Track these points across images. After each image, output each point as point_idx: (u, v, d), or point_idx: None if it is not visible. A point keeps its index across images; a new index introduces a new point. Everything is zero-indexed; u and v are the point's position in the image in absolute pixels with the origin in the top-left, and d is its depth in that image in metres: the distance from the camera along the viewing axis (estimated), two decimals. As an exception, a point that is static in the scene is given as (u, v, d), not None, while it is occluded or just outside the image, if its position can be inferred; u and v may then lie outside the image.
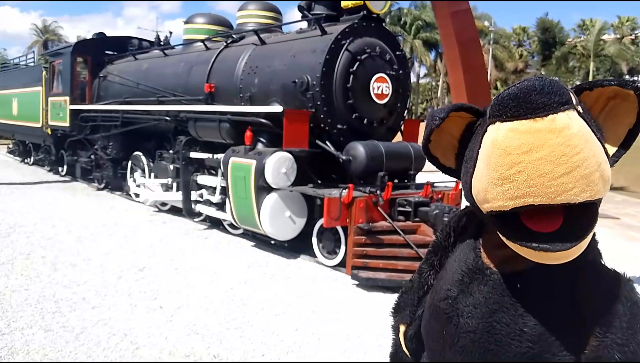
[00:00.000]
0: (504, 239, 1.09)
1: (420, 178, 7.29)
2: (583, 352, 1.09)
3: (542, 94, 0.98)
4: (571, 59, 44.78)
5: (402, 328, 1.52)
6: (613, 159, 1.13)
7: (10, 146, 19.49)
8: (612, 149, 1.14)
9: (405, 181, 7.05)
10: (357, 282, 5.56)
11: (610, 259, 1.27)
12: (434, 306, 1.32)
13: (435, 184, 6.79)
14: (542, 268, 1.12)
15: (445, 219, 4.50)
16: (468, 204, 1.27)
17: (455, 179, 1.53)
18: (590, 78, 38.18)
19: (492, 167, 1.03)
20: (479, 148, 1.09)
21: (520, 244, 1.04)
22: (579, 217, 1.02)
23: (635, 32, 44.62)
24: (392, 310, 1.60)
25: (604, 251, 1.25)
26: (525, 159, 0.98)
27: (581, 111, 1.07)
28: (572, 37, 46.22)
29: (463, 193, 1.24)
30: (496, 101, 1.03)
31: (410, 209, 6.10)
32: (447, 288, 1.28)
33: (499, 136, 1.01)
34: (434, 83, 49.47)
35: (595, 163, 0.99)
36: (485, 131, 1.08)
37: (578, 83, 1.19)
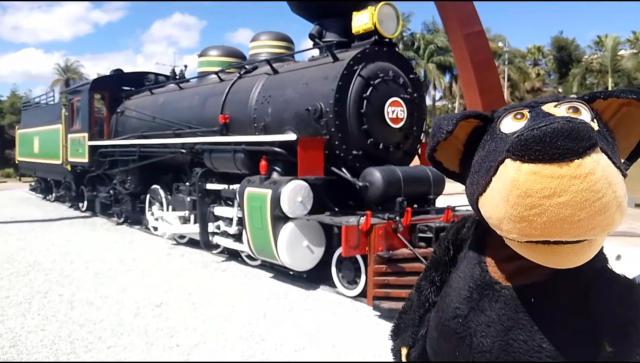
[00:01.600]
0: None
1: (441, 202, 7.12)
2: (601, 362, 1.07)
3: (569, 139, 0.93)
4: (588, 76, 44.35)
5: (404, 351, 1.48)
6: (623, 167, 1.09)
7: (33, 183, 19.85)
8: (622, 156, 1.13)
9: (425, 206, 6.85)
10: (379, 313, 5.37)
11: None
12: (443, 325, 1.26)
13: (456, 208, 6.58)
14: (553, 280, 1.11)
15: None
16: (468, 216, 1.23)
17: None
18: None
19: (510, 204, 0.99)
20: (494, 174, 1.04)
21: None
22: None
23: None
24: (391, 333, 1.57)
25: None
26: (546, 203, 0.94)
27: (598, 128, 1.04)
28: (588, 54, 45.91)
29: (468, 200, 1.20)
30: (519, 141, 0.97)
31: (431, 235, 5.89)
32: (456, 307, 1.24)
33: (520, 177, 0.96)
34: (449, 106, 49.36)
35: (616, 204, 0.97)
36: (502, 161, 1.02)
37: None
